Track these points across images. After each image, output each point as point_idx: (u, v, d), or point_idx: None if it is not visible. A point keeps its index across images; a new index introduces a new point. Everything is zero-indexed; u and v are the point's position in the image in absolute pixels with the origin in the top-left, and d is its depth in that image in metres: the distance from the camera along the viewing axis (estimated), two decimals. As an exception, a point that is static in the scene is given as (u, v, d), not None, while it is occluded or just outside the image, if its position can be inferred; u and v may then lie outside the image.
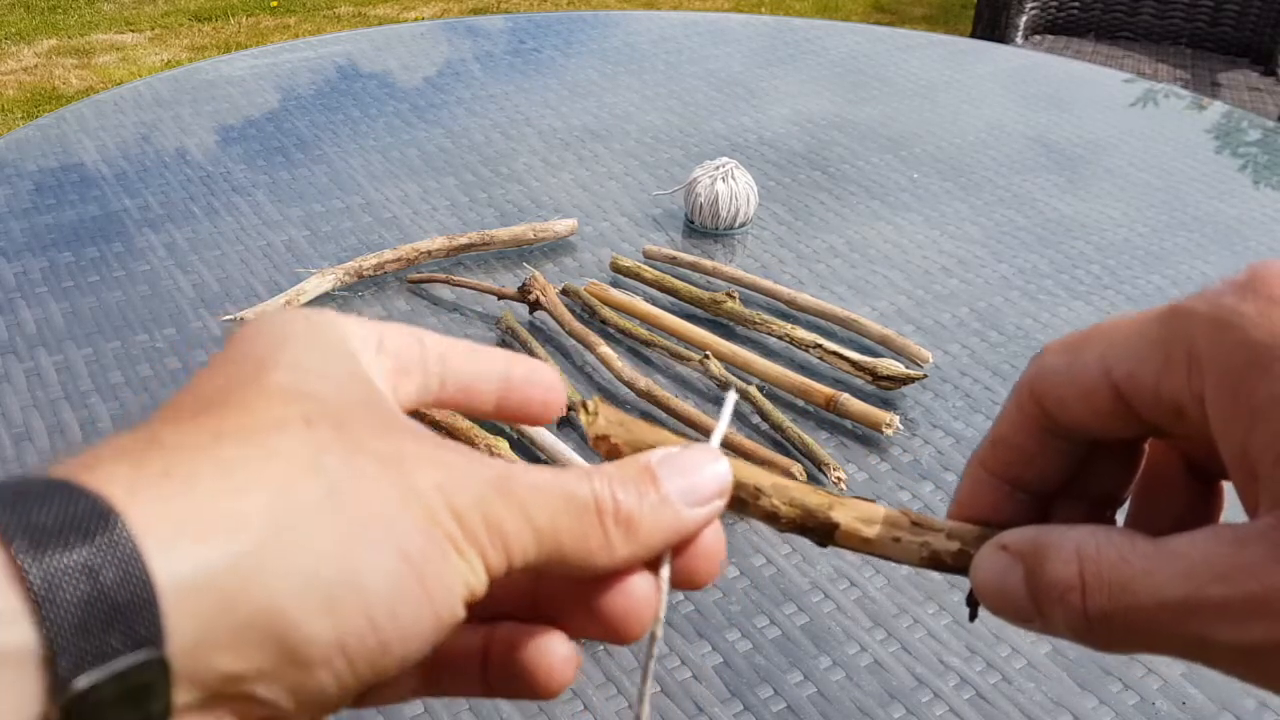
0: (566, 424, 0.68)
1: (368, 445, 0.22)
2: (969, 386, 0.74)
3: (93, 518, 0.19)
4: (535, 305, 0.76)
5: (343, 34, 1.28)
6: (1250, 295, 0.22)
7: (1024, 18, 2.02)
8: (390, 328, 0.27)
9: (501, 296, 0.78)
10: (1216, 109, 1.18)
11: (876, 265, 0.87)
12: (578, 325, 0.74)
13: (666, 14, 1.38)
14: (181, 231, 0.88)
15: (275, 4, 3.47)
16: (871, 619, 0.57)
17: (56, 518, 0.18)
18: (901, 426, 0.69)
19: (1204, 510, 0.27)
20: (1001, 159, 1.05)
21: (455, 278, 0.80)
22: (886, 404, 0.71)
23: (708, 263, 0.82)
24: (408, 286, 0.82)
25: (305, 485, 0.21)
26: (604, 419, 0.27)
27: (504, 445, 0.63)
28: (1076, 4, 2.07)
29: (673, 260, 0.84)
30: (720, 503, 0.26)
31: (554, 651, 0.26)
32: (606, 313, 0.76)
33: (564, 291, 0.79)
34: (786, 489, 0.27)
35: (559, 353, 0.75)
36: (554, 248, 0.87)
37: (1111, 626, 0.23)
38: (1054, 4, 2.07)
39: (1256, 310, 0.21)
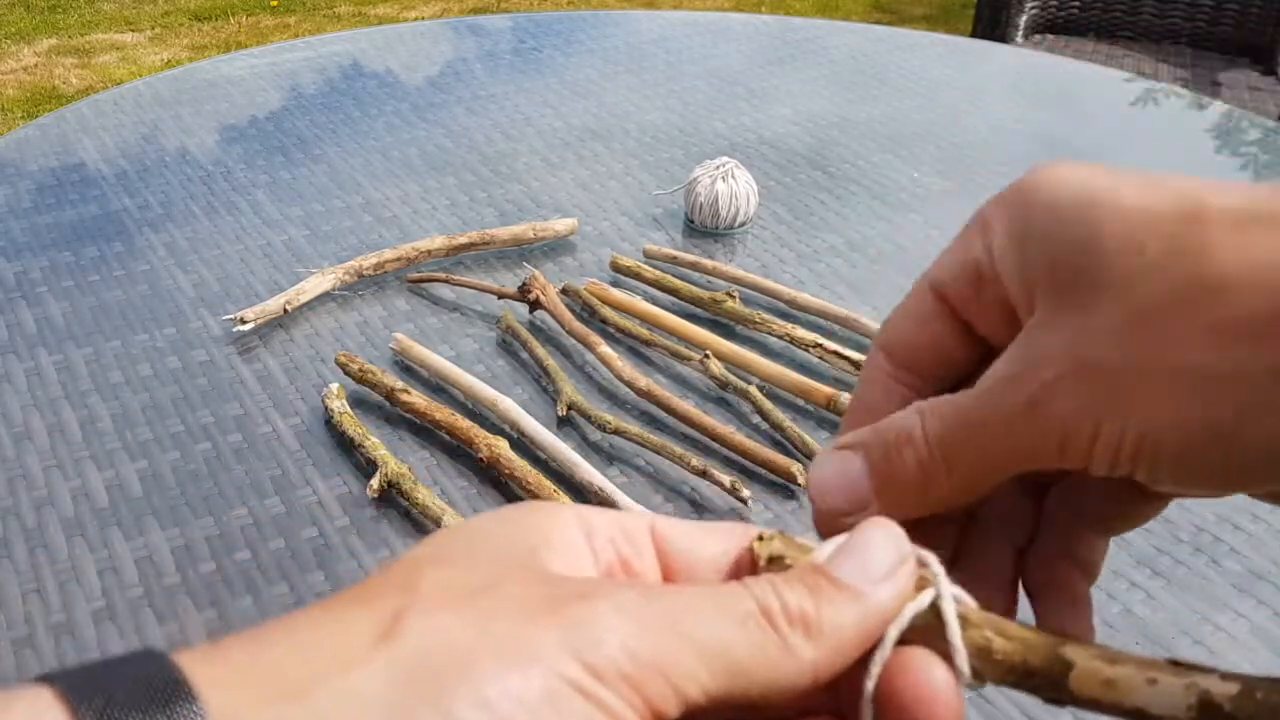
0: (567, 424, 0.68)
1: (476, 610, 0.22)
2: (969, 386, 0.74)
3: (160, 680, 0.19)
4: (535, 305, 0.76)
5: (343, 33, 1.28)
6: (1024, 181, 0.26)
7: (1024, 17, 2.02)
8: (602, 516, 0.25)
9: (501, 296, 0.78)
10: (1216, 108, 1.18)
11: (877, 265, 0.87)
12: (578, 325, 0.74)
13: (666, 13, 1.38)
14: (181, 231, 0.88)
15: (275, 3, 3.47)
16: (871, 619, 0.57)
17: (128, 679, 0.19)
18: (902, 426, 0.69)
19: None
20: (1002, 158, 1.05)
21: (455, 277, 0.80)
22: (887, 404, 0.71)
23: (708, 262, 0.82)
24: (408, 286, 0.82)
25: (372, 653, 0.21)
26: (779, 542, 0.25)
27: (504, 445, 0.63)
28: (1076, 3, 2.07)
29: (673, 260, 0.84)
30: (907, 571, 0.23)
31: None
32: (606, 312, 0.76)
33: (564, 291, 0.79)
34: (1002, 623, 0.23)
35: (559, 352, 0.75)
36: (554, 247, 0.87)
37: (949, 448, 0.26)
38: (1054, 3, 2.07)
39: (1031, 179, 0.26)
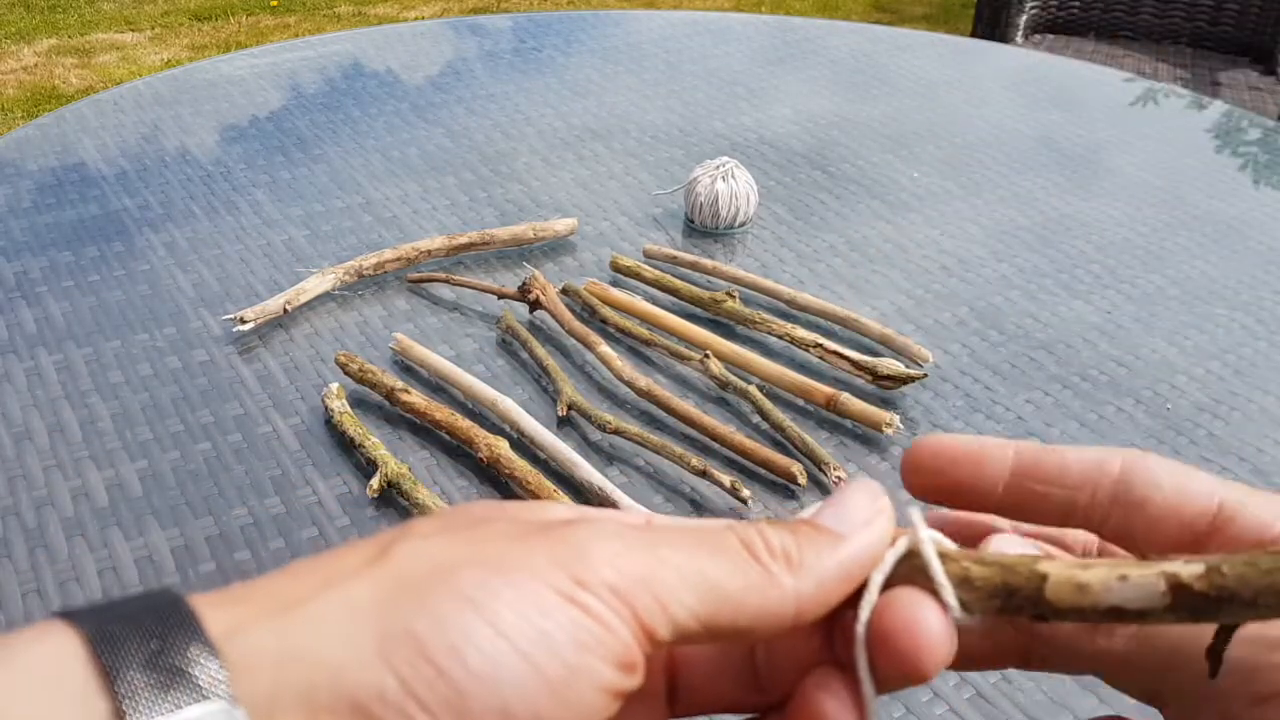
0: (567, 424, 0.68)
1: (464, 537, 0.22)
2: (969, 386, 0.74)
3: (163, 603, 0.20)
4: (535, 305, 0.76)
5: (343, 33, 1.28)
6: None
7: (1024, 17, 2.02)
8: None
9: (501, 296, 0.78)
10: (1216, 108, 1.18)
11: (877, 265, 0.87)
12: (578, 325, 0.74)
13: (667, 13, 1.38)
14: (181, 231, 0.88)
15: (275, 3, 3.47)
16: (871, 619, 0.57)
17: (133, 606, 0.20)
18: (901, 426, 0.69)
19: None
20: (1002, 158, 1.05)
21: (455, 277, 0.80)
22: (887, 403, 0.71)
23: (708, 262, 0.82)
24: (408, 286, 0.82)
25: (363, 570, 0.21)
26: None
27: (504, 445, 0.63)
28: (1077, 3, 2.07)
29: (673, 260, 0.84)
30: (884, 520, 0.24)
31: None
32: (606, 312, 0.76)
33: (564, 291, 0.79)
34: (978, 554, 0.24)
35: (559, 352, 0.75)
36: (554, 247, 0.87)
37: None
38: (1054, 3, 2.07)
39: None
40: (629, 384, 0.70)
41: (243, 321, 0.74)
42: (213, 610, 0.20)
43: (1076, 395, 0.73)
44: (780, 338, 0.75)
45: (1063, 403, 0.72)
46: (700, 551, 0.22)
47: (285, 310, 0.76)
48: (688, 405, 0.68)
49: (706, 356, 0.71)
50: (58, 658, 0.19)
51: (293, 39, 1.43)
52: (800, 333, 0.74)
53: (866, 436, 0.69)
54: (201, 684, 0.19)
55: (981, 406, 0.72)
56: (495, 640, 0.20)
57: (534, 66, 1.22)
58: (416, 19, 3.33)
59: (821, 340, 0.73)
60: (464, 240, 0.84)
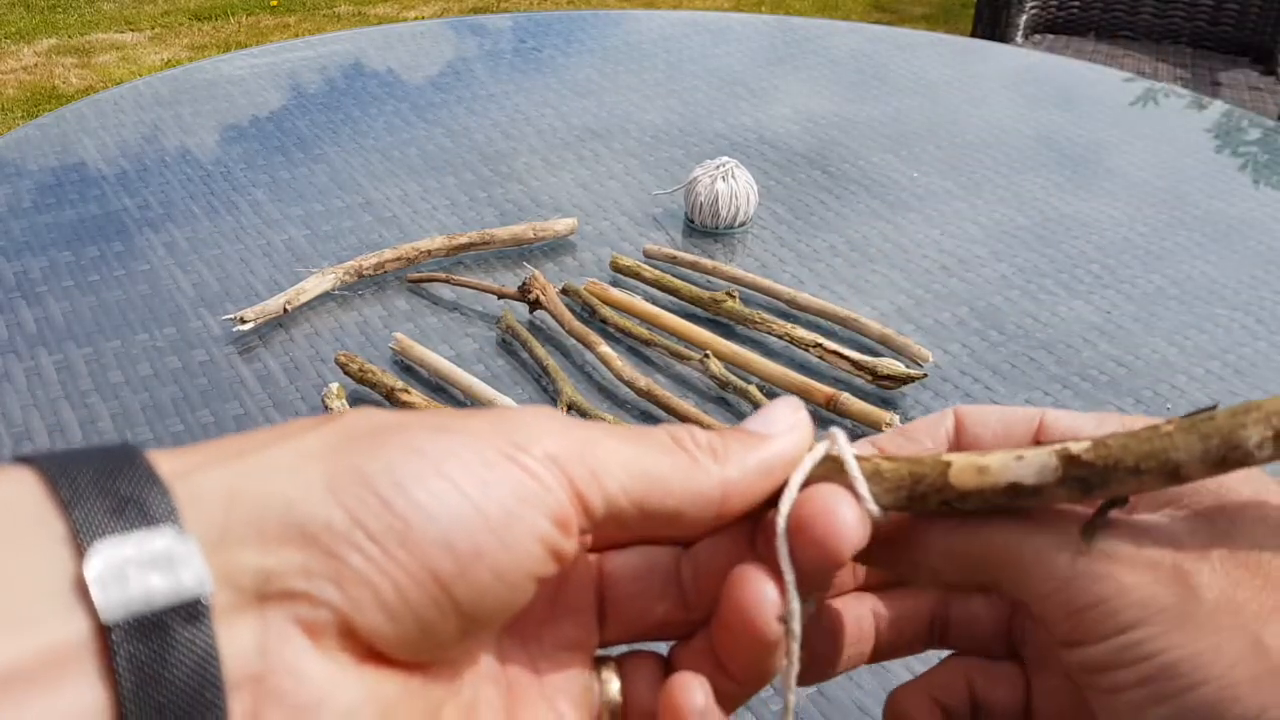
0: (566, 423, 0.68)
1: (408, 412, 0.24)
2: (969, 386, 0.74)
3: (117, 450, 0.21)
4: (535, 304, 0.76)
5: (343, 33, 1.28)
6: None
7: (1024, 17, 2.02)
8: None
9: (501, 296, 0.78)
10: (1216, 108, 1.18)
11: (877, 265, 0.87)
12: (578, 325, 0.74)
13: (667, 13, 1.38)
14: (181, 231, 0.88)
15: (275, 3, 3.47)
16: (871, 619, 0.57)
17: (88, 453, 0.21)
18: (902, 426, 0.69)
19: None
20: (1002, 158, 1.05)
21: (455, 277, 0.80)
22: (886, 403, 0.71)
23: (708, 262, 0.82)
24: (408, 286, 0.82)
25: (314, 427, 0.23)
26: None
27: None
28: (1077, 3, 2.07)
29: (673, 260, 0.84)
30: (804, 429, 0.26)
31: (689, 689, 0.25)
32: (606, 312, 0.76)
33: (564, 291, 0.79)
34: (888, 456, 0.26)
35: (559, 352, 0.75)
36: (554, 247, 0.87)
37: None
38: (1054, 3, 2.07)
39: None
40: (629, 384, 0.70)
41: (243, 321, 0.74)
42: (166, 458, 0.21)
43: (1076, 395, 0.73)
44: (780, 338, 0.75)
45: (1063, 403, 0.72)
46: (631, 438, 0.24)
47: (285, 310, 0.76)
48: (688, 405, 0.68)
49: (706, 356, 0.71)
50: (14, 486, 0.20)
51: (293, 39, 1.43)
52: (800, 333, 0.74)
53: (867, 437, 0.68)
54: (152, 512, 0.20)
55: (981, 406, 0.72)
56: (439, 480, 0.21)
57: (534, 66, 1.22)
58: (416, 19, 3.33)
59: (821, 340, 0.73)
60: (464, 240, 0.84)
